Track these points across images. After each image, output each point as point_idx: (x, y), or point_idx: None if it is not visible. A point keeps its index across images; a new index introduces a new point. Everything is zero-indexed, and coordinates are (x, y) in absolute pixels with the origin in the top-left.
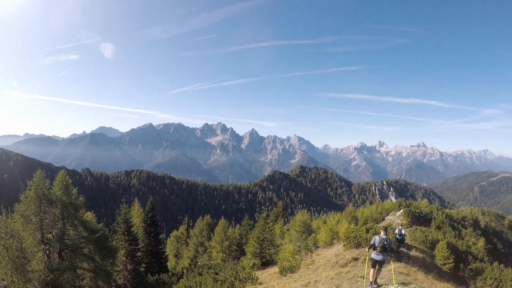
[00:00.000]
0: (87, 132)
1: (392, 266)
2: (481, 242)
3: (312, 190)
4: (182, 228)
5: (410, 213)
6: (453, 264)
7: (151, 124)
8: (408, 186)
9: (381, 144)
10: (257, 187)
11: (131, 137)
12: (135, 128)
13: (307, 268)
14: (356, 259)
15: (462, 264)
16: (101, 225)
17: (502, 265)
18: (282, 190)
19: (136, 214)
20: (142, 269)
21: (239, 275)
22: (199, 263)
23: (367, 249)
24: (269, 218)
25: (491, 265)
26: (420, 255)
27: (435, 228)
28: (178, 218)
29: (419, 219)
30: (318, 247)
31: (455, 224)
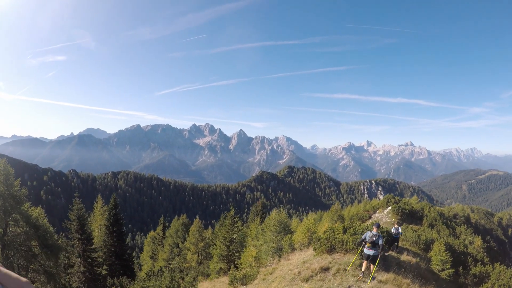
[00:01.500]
0: (75, 133)
1: (373, 270)
2: (478, 241)
3: (300, 190)
4: (158, 229)
5: (400, 210)
6: (453, 269)
7: (138, 126)
8: (397, 185)
9: (369, 144)
10: (245, 187)
11: (119, 138)
12: (123, 129)
13: (263, 280)
14: (326, 269)
15: (461, 268)
16: (44, 221)
17: (510, 269)
18: (270, 190)
19: (99, 212)
20: (104, 271)
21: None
22: (171, 266)
23: (356, 246)
24: (249, 217)
25: (493, 269)
26: (414, 260)
27: (428, 226)
28: (166, 219)
29: (409, 217)
30: (294, 249)
31: (448, 221)
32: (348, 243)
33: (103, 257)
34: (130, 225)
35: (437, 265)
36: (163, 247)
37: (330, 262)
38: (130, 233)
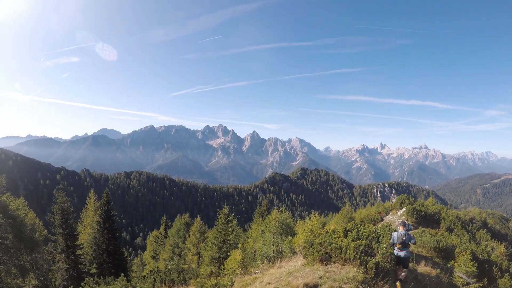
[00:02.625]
0: (89, 134)
1: (403, 275)
2: (501, 248)
3: (313, 192)
4: (161, 228)
5: (415, 212)
6: (481, 284)
7: (152, 126)
8: (410, 188)
9: (382, 146)
10: (257, 189)
11: (133, 139)
12: (137, 130)
13: None
14: (312, 287)
15: (486, 279)
16: (21, 212)
17: None
18: (283, 192)
19: (92, 208)
20: (94, 270)
21: None
22: (168, 267)
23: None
24: (253, 217)
25: None
26: (433, 272)
27: (445, 230)
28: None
29: (424, 220)
30: (295, 253)
31: (466, 226)
32: (349, 251)
33: (93, 255)
34: (141, 225)
35: (461, 278)
36: (165, 247)
37: (321, 277)
38: (141, 233)
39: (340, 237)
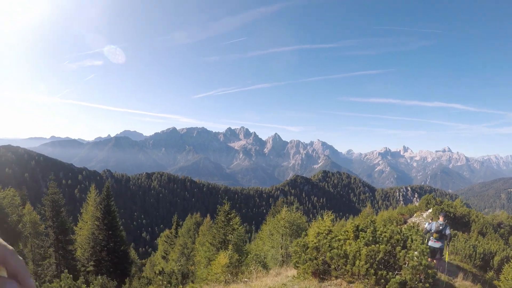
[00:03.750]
0: (112, 135)
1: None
2: None
3: (334, 195)
4: (172, 228)
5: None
6: None
7: (174, 128)
8: (433, 192)
9: (405, 149)
10: (278, 191)
11: (155, 141)
12: (159, 132)
13: None
14: None
15: None
16: (6, 201)
17: None
18: (304, 195)
19: (92, 203)
20: (91, 267)
21: None
22: (174, 268)
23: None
24: (266, 218)
25: None
26: None
27: (477, 234)
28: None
29: (453, 222)
30: None
31: (496, 230)
32: (358, 261)
33: (90, 252)
34: (162, 225)
35: None
36: (174, 247)
37: None
38: (161, 233)
39: (348, 239)
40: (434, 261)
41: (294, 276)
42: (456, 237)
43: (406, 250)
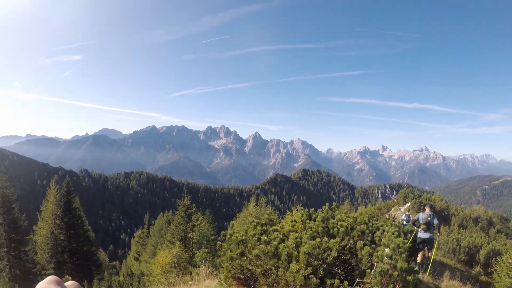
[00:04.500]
0: (90, 133)
1: (433, 253)
2: None
3: (314, 194)
4: (145, 227)
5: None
6: None
7: (154, 127)
8: (415, 193)
9: (384, 148)
10: (259, 190)
11: (134, 139)
12: (138, 130)
13: None
14: None
15: None
16: None
17: None
18: (284, 193)
19: (52, 200)
20: (51, 270)
21: None
22: (141, 270)
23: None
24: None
25: None
26: None
27: (458, 227)
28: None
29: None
30: None
31: (476, 223)
32: (296, 264)
33: (50, 254)
34: (141, 226)
35: None
36: (146, 247)
37: None
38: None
39: (296, 231)
40: (421, 253)
41: (220, 281)
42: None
43: (372, 246)
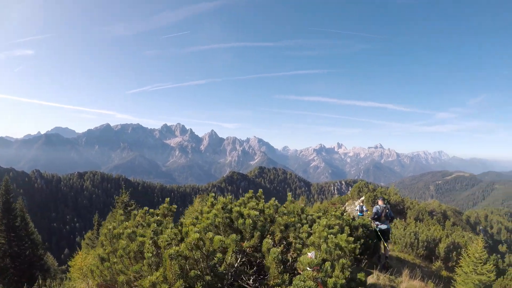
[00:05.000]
0: (42, 132)
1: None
2: (480, 240)
3: (271, 191)
4: (94, 228)
5: (376, 201)
6: None
7: (108, 125)
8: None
9: (339, 146)
10: (215, 188)
11: (88, 138)
12: (92, 128)
13: None
14: None
15: None
16: None
17: None
18: (241, 191)
19: None
20: None
21: None
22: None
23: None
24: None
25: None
26: None
27: (414, 220)
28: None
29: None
30: None
31: (432, 216)
32: (163, 271)
33: None
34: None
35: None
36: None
37: None
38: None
39: (189, 225)
40: (382, 242)
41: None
42: (393, 224)
43: (278, 247)
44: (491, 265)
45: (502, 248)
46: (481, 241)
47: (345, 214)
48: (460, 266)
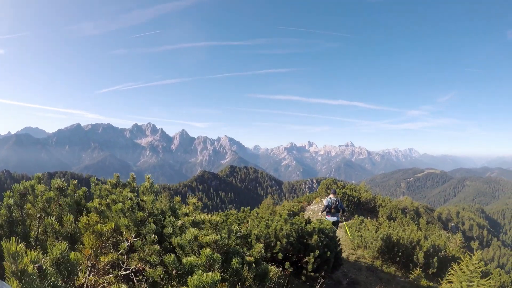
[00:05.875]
0: (12, 132)
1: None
2: (458, 238)
3: (242, 190)
4: None
5: (346, 198)
6: None
7: (79, 125)
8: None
9: (310, 144)
10: (186, 187)
11: (58, 138)
12: (63, 128)
13: None
14: None
15: None
16: None
17: None
18: (212, 190)
19: None
20: None
21: None
22: None
23: (320, 213)
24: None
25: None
26: None
27: (386, 220)
28: None
29: (358, 208)
30: None
31: (405, 214)
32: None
33: None
34: None
35: None
36: None
37: None
38: None
39: None
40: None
41: None
42: (363, 224)
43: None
44: (494, 280)
45: (474, 244)
46: (478, 252)
47: (301, 214)
48: (450, 282)
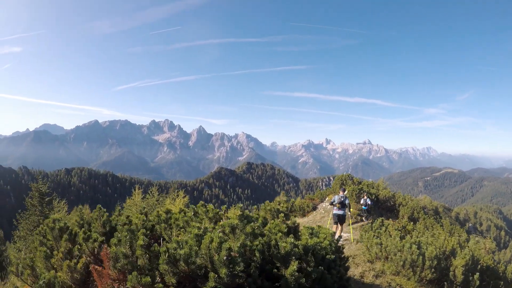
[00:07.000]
0: (31, 129)
1: (340, 230)
2: (488, 242)
3: (259, 187)
4: None
5: (362, 196)
6: None
7: (96, 121)
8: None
9: (328, 142)
10: (203, 184)
11: (76, 134)
12: (80, 125)
13: None
14: None
15: None
16: None
17: None
18: (228, 186)
19: None
20: None
21: None
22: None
23: (327, 205)
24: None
25: None
26: None
27: (408, 220)
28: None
29: (375, 207)
30: None
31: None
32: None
33: None
34: None
35: None
36: None
37: None
38: None
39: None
40: (335, 226)
41: None
42: (383, 228)
43: None
44: None
45: (492, 245)
46: None
47: (293, 215)
48: None
